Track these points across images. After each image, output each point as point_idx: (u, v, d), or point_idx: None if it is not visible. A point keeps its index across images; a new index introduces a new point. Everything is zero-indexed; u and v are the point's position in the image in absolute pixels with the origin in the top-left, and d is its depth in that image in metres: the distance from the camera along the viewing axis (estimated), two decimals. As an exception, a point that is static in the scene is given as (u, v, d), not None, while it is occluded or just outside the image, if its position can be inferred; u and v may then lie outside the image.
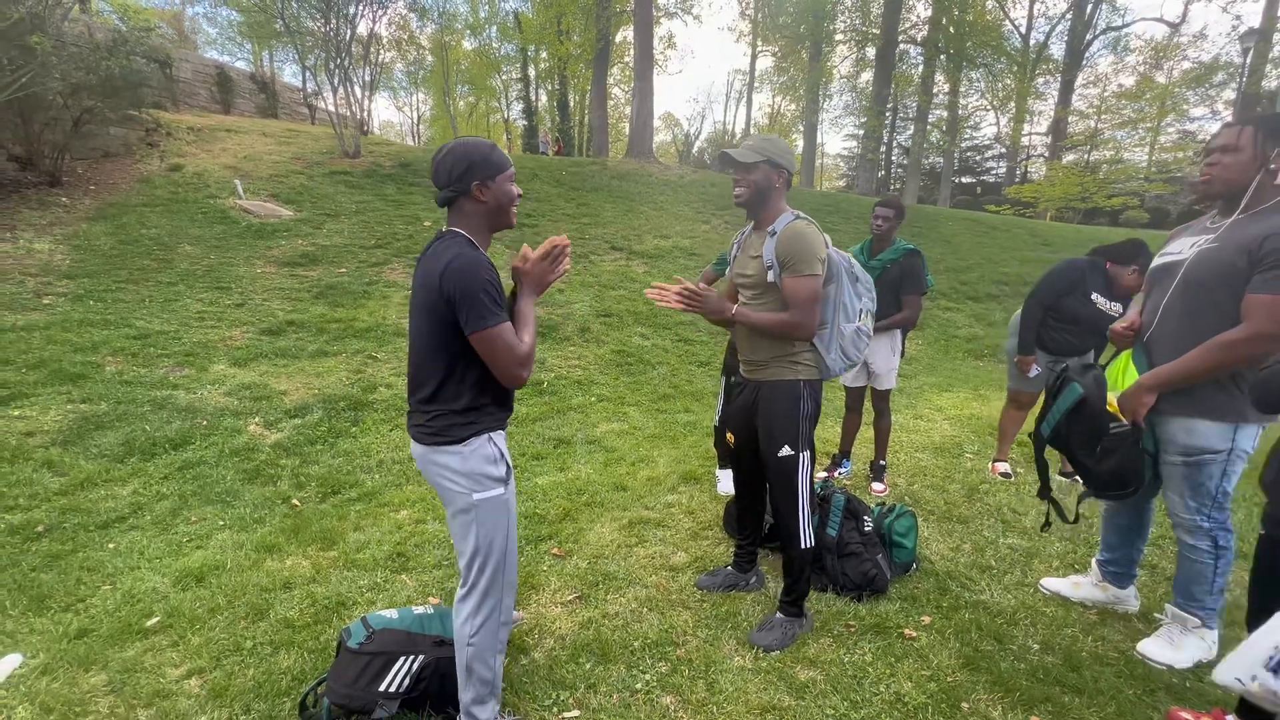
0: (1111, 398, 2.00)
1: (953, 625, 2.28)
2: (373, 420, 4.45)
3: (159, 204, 7.87)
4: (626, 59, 23.69)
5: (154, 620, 2.36)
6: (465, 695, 1.67)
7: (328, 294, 6.42)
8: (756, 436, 2.19)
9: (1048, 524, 2.42)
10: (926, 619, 2.32)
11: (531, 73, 30.66)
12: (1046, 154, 28.19)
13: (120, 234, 6.87)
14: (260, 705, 1.91)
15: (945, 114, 24.88)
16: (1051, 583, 2.54)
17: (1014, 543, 2.94)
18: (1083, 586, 2.48)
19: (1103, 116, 26.19)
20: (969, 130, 31.04)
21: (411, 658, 1.80)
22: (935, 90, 22.23)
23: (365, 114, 13.45)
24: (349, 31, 11.39)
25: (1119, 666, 2.08)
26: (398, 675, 1.77)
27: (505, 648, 1.74)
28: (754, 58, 30.38)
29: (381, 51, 20.87)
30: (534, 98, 31.85)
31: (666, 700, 1.93)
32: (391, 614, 1.92)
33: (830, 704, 1.90)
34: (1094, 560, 2.49)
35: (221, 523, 3.18)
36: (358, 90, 12.26)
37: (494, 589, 1.65)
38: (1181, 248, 1.99)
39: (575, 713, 1.87)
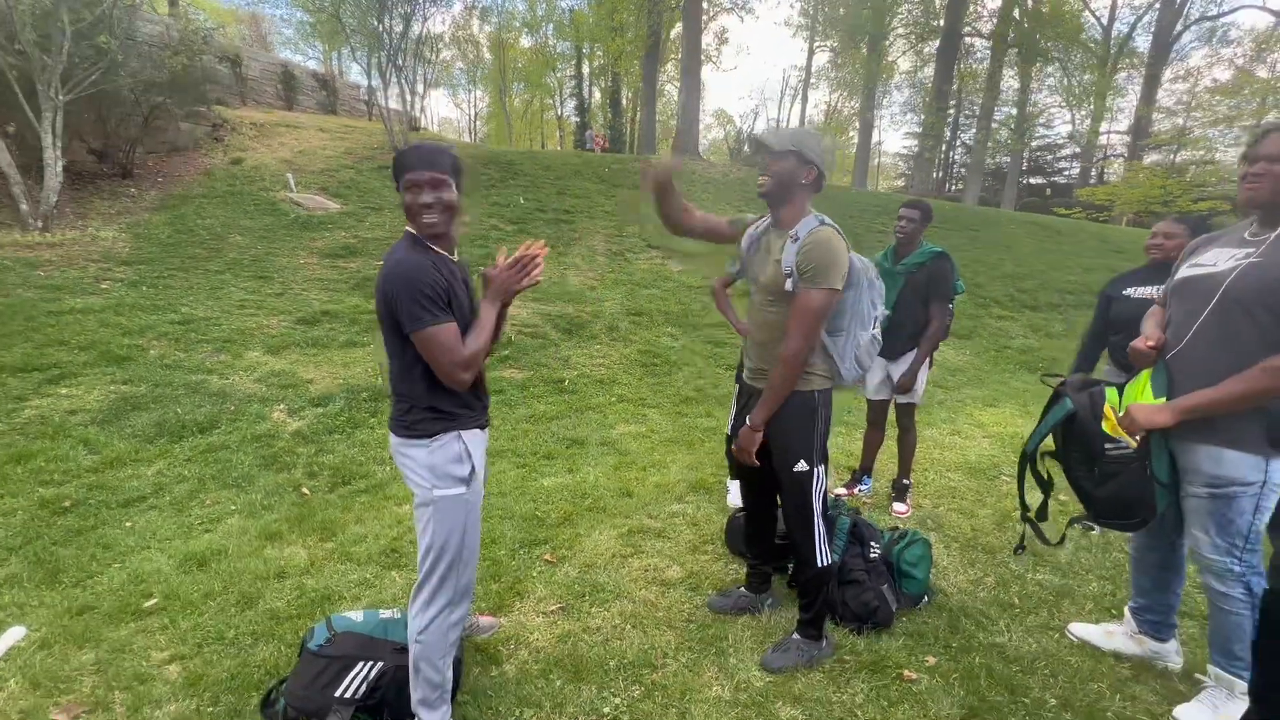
0: (1113, 417, 1.78)
1: (960, 669, 2.08)
2: (392, 412, 4.50)
3: (217, 196, 8.27)
4: (679, 55, 23.52)
5: (152, 602, 2.42)
6: (415, 694, 1.67)
7: (364, 285, 6.58)
8: (765, 449, 2.06)
9: (1021, 547, 2.13)
10: (931, 660, 2.12)
11: (585, 70, 30.88)
12: (1126, 154, 26.31)
13: (178, 224, 7.25)
14: (228, 698, 1.91)
15: (1014, 111, 23.57)
16: (1081, 629, 2.29)
17: (1044, 579, 2.68)
18: (1116, 636, 2.22)
19: (1193, 114, 24.22)
20: (1040, 128, 29.30)
21: (370, 664, 1.76)
22: (1003, 86, 21.08)
23: (419, 110, 13.79)
24: (404, 28, 11.69)
25: (1150, 733, 1.84)
26: (354, 681, 1.74)
27: (454, 651, 1.72)
28: (810, 53, 29.64)
29: (441, 50, 21.45)
30: (587, 95, 32.06)
31: (633, 728, 1.82)
32: (356, 616, 1.89)
33: (809, 748, 1.75)
34: (1127, 608, 2.23)
35: (233, 507, 3.26)
36: (418, 86, 12.58)
37: (445, 588, 1.65)
38: (1216, 260, 1.75)
39: (536, 733, 1.79)
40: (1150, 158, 24.16)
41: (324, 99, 16.26)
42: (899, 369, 3.26)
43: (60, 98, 6.59)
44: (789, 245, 1.88)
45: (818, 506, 2.02)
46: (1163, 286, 2.58)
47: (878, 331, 2.03)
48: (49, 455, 3.53)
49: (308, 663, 1.76)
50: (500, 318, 1.68)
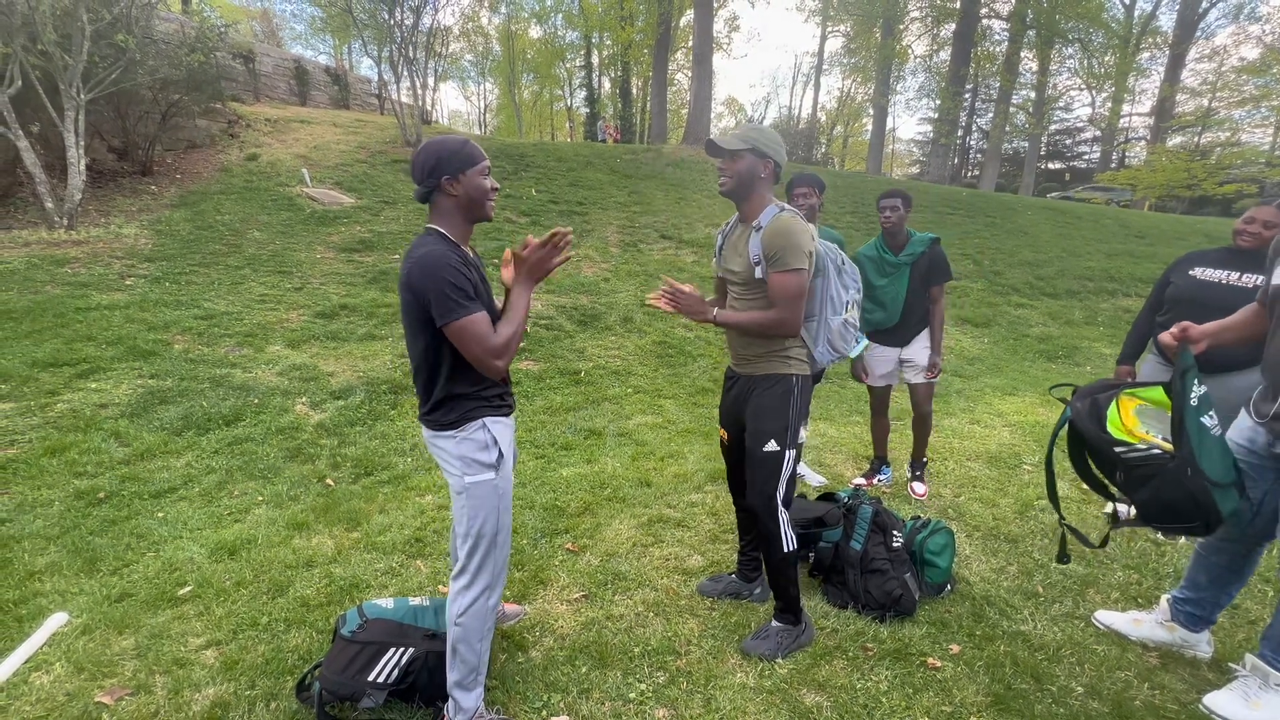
0: (1119, 419, 1.74)
1: (984, 657, 2.08)
2: (410, 404, 4.55)
3: (234, 192, 8.36)
4: (689, 44, 23.30)
5: (186, 589, 2.48)
6: (451, 675, 1.70)
7: (380, 279, 6.64)
8: (743, 430, 2.11)
9: (1065, 556, 2.03)
10: (955, 648, 2.12)
11: (595, 60, 30.71)
12: (1148, 137, 25.71)
13: (197, 220, 7.34)
14: (265, 682, 1.96)
15: (1032, 94, 23.10)
16: (1107, 617, 2.27)
17: (1069, 568, 2.66)
18: (1144, 624, 2.20)
19: (1218, 94, 23.60)
20: (1059, 112, 28.71)
21: (402, 650, 1.80)
22: (1021, 69, 20.66)
23: (430, 104, 13.81)
24: (414, 20, 11.69)
25: (1178, 721, 1.83)
26: (387, 666, 1.77)
27: (490, 635, 1.75)
28: (823, 39, 29.25)
29: (449, 42, 21.43)
30: (596, 85, 31.88)
31: (660, 713, 1.85)
32: (387, 603, 1.93)
33: (835, 734, 1.77)
34: (1165, 596, 2.20)
35: (260, 498, 3.32)
36: (429, 79, 12.59)
37: (483, 572, 1.69)
38: None
39: (564, 718, 1.82)
40: (1174, 140, 23.62)
41: (336, 94, 16.33)
42: (912, 352, 3.30)
43: (81, 97, 6.68)
44: (753, 235, 1.96)
45: (781, 490, 2.04)
46: (1233, 273, 2.51)
47: (851, 316, 2.10)
48: (82, 448, 3.61)
49: (341, 648, 1.80)
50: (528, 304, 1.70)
